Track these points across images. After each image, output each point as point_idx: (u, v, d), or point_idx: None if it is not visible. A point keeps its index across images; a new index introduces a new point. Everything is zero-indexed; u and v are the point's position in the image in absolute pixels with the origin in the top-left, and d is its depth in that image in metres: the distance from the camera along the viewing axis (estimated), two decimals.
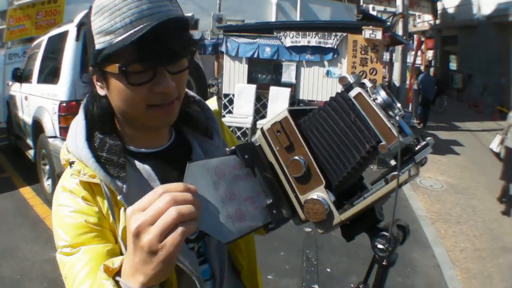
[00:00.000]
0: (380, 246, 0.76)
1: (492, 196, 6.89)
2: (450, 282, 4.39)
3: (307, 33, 9.15)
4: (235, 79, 9.91)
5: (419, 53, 16.00)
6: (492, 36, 17.59)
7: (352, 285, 4.05)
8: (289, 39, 9.27)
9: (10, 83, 7.78)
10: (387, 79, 12.25)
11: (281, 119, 0.77)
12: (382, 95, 0.71)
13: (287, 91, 9.20)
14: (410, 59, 14.81)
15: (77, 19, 5.01)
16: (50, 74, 5.69)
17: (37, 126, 5.65)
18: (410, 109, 12.52)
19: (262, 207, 0.77)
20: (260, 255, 1.16)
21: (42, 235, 4.78)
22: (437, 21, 21.46)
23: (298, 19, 14.87)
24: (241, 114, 9.36)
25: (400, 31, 12.37)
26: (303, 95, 9.50)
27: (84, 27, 1.05)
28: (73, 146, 0.93)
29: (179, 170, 0.94)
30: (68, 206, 0.90)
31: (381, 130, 0.70)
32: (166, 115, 0.90)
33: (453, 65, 22.35)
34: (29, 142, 6.49)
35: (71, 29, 5.00)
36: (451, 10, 21.15)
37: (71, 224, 0.88)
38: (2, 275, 4.04)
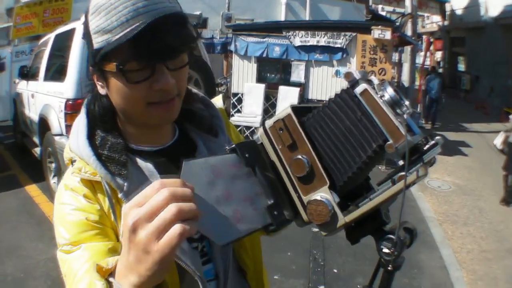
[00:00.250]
0: (386, 250, 0.73)
1: (498, 198, 6.88)
2: (456, 284, 4.37)
3: (316, 32, 9.12)
4: (244, 78, 9.89)
5: (428, 54, 15.90)
6: (499, 38, 17.48)
7: (358, 286, 4.03)
8: (298, 39, 9.25)
9: (17, 80, 7.83)
10: (396, 80, 12.20)
11: (284, 117, 0.74)
12: (389, 92, 0.68)
13: (296, 90, 9.19)
14: (419, 60, 14.73)
15: (84, 17, 5.01)
16: (56, 72, 5.71)
17: (44, 124, 5.67)
18: (418, 109, 12.46)
19: (261, 209, 0.74)
20: (266, 255, 1.14)
21: (47, 233, 4.76)
22: (446, 22, 21.37)
23: (307, 18, 14.92)
24: (250, 114, 9.37)
25: (409, 32, 12.29)
26: (312, 94, 9.47)
27: None
28: (75, 145, 0.94)
29: None
30: (69, 204, 0.90)
31: (388, 128, 0.66)
32: (166, 112, 0.90)
33: (461, 67, 22.22)
34: (35, 140, 6.53)
35: (78, 26, 5.01)
36: (459, 12, 21.00)
37: (72, 222, 0.88)
38: (5, 273, 4.05)
